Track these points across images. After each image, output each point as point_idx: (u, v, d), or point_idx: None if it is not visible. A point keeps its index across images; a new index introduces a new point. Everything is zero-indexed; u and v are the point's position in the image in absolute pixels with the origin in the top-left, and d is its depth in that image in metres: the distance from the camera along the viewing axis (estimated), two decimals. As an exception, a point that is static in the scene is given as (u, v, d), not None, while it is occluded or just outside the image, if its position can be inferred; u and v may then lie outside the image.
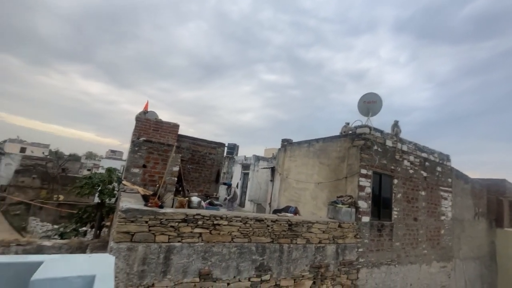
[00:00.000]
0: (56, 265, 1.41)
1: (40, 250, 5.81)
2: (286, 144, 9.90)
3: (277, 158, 10.24)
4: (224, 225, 4.36)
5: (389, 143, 7.38)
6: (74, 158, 40.66)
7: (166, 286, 3.77)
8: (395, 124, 8.39)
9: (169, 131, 9.10)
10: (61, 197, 24.96)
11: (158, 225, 3.83)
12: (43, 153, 42.46)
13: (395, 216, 7.25)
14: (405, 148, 7.84)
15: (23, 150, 42.25)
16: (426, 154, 8.56)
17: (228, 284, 4.32)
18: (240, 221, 4.54)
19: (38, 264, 1.46)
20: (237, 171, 15.97)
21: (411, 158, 8.00)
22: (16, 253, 5.63)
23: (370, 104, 7.67)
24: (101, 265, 1.52)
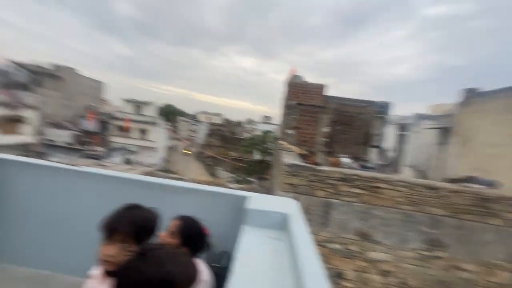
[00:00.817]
0: (256, 200, 1.77)
1: (228, 190, 7.83)
2: (470, 95, 7.41)
3: (454, 114, 7.95)
4: (386, 188, 3.99)
5: None
6: (238, 123, 50.64)
7: (327, 236, 4.05)
8: None
9: (315, 93, 9.14)
10: (233, 154, 32.27)
11: (316, 181, 4.06)
12: (219, 120, 55.72)
13: None
14: None
15: (207, 119, 57.26)
16: None
17: (390, 249, 4.04)
18: (406, 187, 3.98)
19: (244, 198, 1.90)
20: (390, 132, 14.04)
21: None
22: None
23: None
24: (289, 206, 1.76)
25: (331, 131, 8.55)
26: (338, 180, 4.04)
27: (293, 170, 4.04)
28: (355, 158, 9.10)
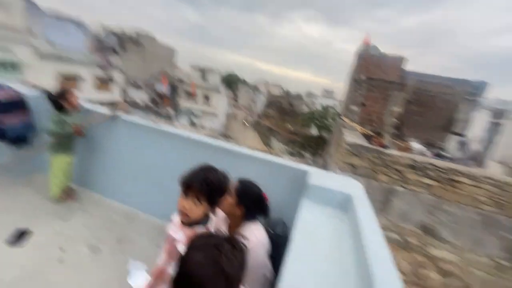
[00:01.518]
0: (318, 176, 1.73)
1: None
2: None
3: None
4: (467, 184, 3.46)
5: None
6: (298, 96, 49.19)
7: (384, 224, 3.83)
8: None
9: (391, 67, 8.08)
10: (290, 127, 32.01)
11: (381, 164, 3.76)
12: (279, 91, 54.99)
13: None
14: None
15: (267, 88, 57.07)
16: None
17: (457, 249, 3.62)
18: (494, 185, 3.37)
19: (305, 172, 1.88)
20: (481, 118, 11.75)
21: None
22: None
23: None
24: (352, 187, 1.68)
25: (404, 111, 7.59)
26: (406, 167, 3.66)
27: (355, 150, 3.80)
28: (429, 145, 8.02)
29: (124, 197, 2.48)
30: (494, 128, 10.68)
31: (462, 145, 8.72)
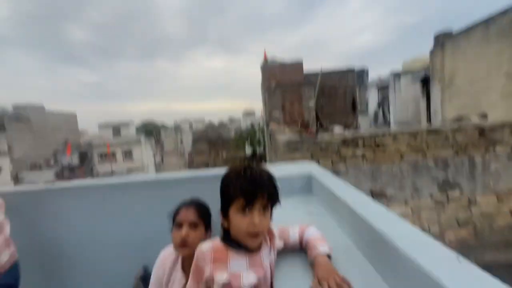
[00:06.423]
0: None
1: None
2: (443, 39, 7.45)
3: (432, 62, 8.00)
4: (389, 144, 3.88)
5: None
6: (222, 125, 50.15)
7: (342, 205, 3.91)
8: None
9: (293, 70, 8.97)
10: (223, 154, 31.89)
11: (319, 150, 3.90)
12: (202, 125, 54.91)
13: None
14: None
15: (190, 126, 56.33)
16: None
17: (406, 202, 3.97)
18: (409, 136, 3.89)
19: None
20: (372, 96, 14.18)
21: None
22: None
23: None
24: (307, 168, 1.56)
25: (317, 105, 8.41)
26: (340, 145, 3.90)
27: (293, 145, 3.85)
28: (346, 127, 9.05)
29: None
30: (383, 100, 12.99)
31: (373, 119, 10.12)
